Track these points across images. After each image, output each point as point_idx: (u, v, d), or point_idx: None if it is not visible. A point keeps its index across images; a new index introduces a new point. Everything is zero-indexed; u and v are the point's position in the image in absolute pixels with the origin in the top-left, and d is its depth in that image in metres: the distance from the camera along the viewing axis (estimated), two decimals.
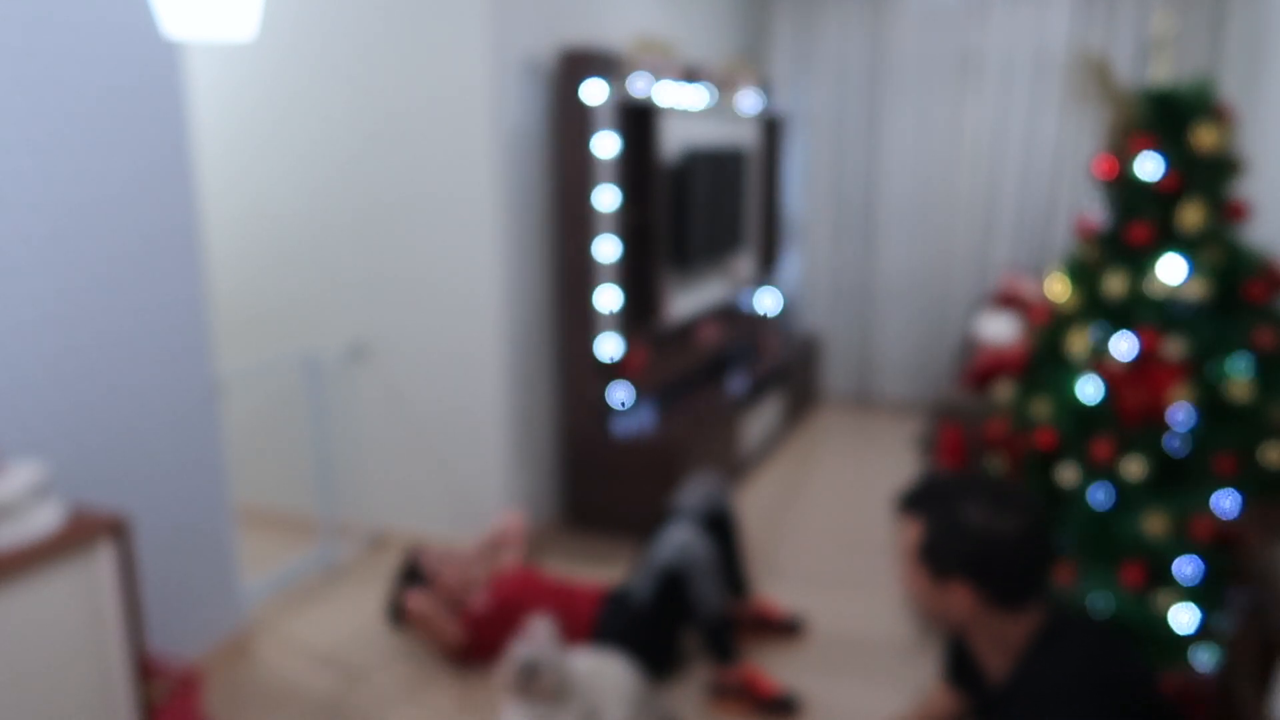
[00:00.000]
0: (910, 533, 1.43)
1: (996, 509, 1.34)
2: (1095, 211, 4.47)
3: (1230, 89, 4.46)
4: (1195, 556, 2.25)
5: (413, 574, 2.92)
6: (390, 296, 3.51)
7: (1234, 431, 2.30)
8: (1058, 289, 2.57)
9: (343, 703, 2.67)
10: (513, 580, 2.89)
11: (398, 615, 2.91)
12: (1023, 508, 1.35)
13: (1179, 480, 2.34)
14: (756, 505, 4.10)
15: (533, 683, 2.23)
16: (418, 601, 2.81)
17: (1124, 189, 2.49)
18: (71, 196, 2.28)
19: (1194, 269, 2.35)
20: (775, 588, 3.32)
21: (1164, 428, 2.34)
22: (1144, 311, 2.40)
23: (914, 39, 5.19)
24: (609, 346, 3.68)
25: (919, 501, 1.43)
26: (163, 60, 2.50)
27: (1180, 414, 2.31)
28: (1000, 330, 4.01)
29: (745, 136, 4.89)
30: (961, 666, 1.60)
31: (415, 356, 3.53)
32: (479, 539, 3.05)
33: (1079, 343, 2.47)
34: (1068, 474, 2.45)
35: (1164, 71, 2.60)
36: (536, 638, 2.29)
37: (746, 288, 5.10)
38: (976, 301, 5.23)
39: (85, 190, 2.31)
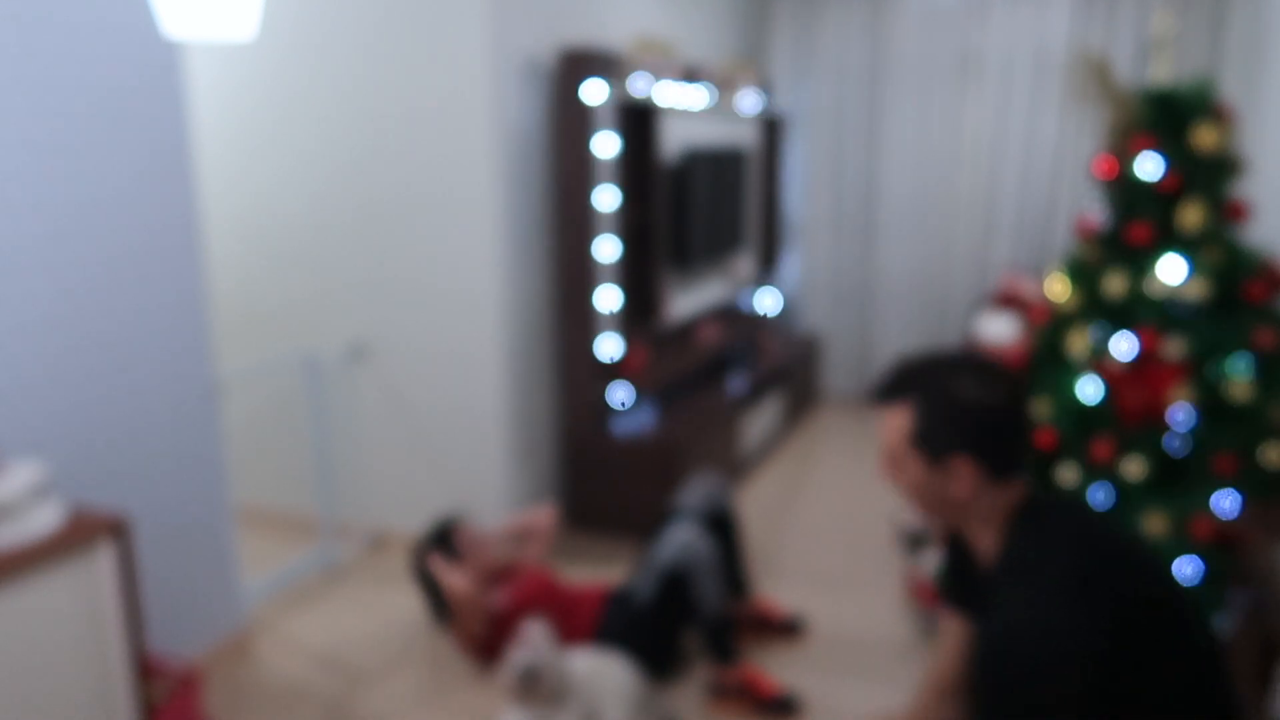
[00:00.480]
0: (897, 421, 1.39)
1: (982, 380, 1.33)
2: (1095, 211, 4.47)
3: (1230, 89, 4.46)
4: (1195, 556, 2.25)
5: (442, 538, 2.84)
6: (390, 296, 3.51)
7: (1234, 431, 2.30)
8: (1058, 289, 2.57)
9: (343, 703, 2.67)
10: (531, 583, 2.84)
11: (422, 576, 2.82)
12: (1004, 376, 1.35)
13: (1179, 480, 2.34)
14: (756, 505, 4.10)
15: (534, 687, 2.24)
16: (456, 577, 2.69)
17: (1124, 189, 2.49)
18: (71, 196, 2.28)
19: (1194, 269, 2.35)
20: (775, 588, 3.32)
21: (1164, 428, 2.34)
22: (1144, 311, 2.40)
23: (914, 39, 5.19)
24: (609, 346, 3.68)
25: (904, 386, 1.38)
26: (163, 60, 2.50)
27: (1180, 414, 2.31)
28: (1000, 330, 4.01)
29: (745, 136, 4.89)
30: (960, 578, 1.58)
31: (415, 356, 3.53)
32: (509, 521, 3.01)
33: (1079, 343, 2.47)
34: (1068, 474, 2.45)
35: (1164, 71, 2.60)
36: (533, 641, 2.29)
37: (746, 288, 5.10)
38: (976, 301, 5.23)
39: (85, 190, 2.32)
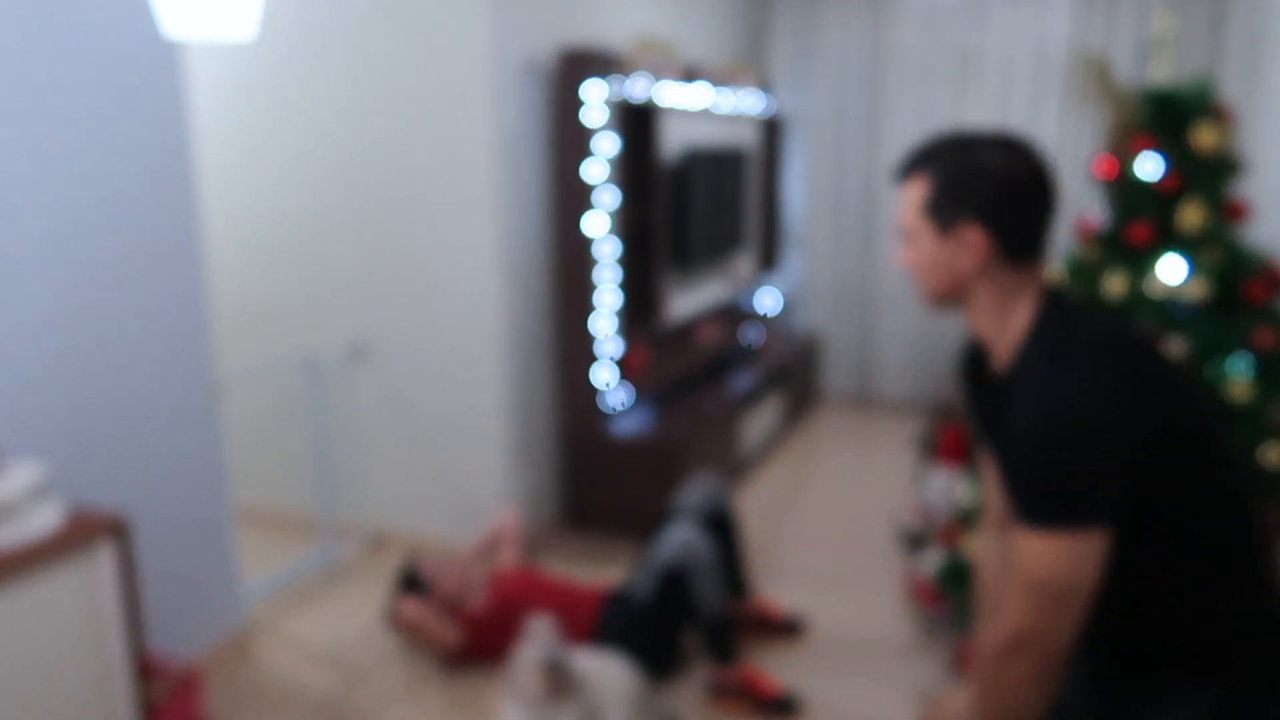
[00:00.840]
0: (913, 194, 1.31)
1: (1006, 153, 1.26)
2: (1095, 211, 4.47)
3: (1230, 89, 4.46)
4: None
5: (411, 582, 2.91)
6: (390, 296, 3.51)
7: (1234, 431, 2.30)
8: None
9: (342, 703, 2.67)
10: (512, 580, 2.89)
11: (394, 623, 2.91)
12: (1033, 153, 1.27)
13: None
14: (756, 505, 4.10)
15: (562, 681, 2.24)
16: (408, 608, 2.80)
17: (1124, 189, 2.49)
18: (72, 197, 2.28)
19: (1194, 269, 2.35)
20: (775, 588, 3.32)
21: None
22: (1144, 311, 2.40)
23: (914, 39, 5.19)
24: (609, 346, 3.68)
25: (925, 158, 1.31)
26: (163, 60, 2.50)
27: None
28: None
29: (745, 136, 4.89)
30: (980, 403, 1.48)
31: (415, 356, 3.53)
32: (475, 540, 3.05)
33: None
34: None
35: (1164, 71, 2.60)
36: (541, 637, 2.29)
37: (746, 288, 5.10)
38: None
39: (85, 190, 2.32)
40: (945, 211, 1.27)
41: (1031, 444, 1.16)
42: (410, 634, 2.82)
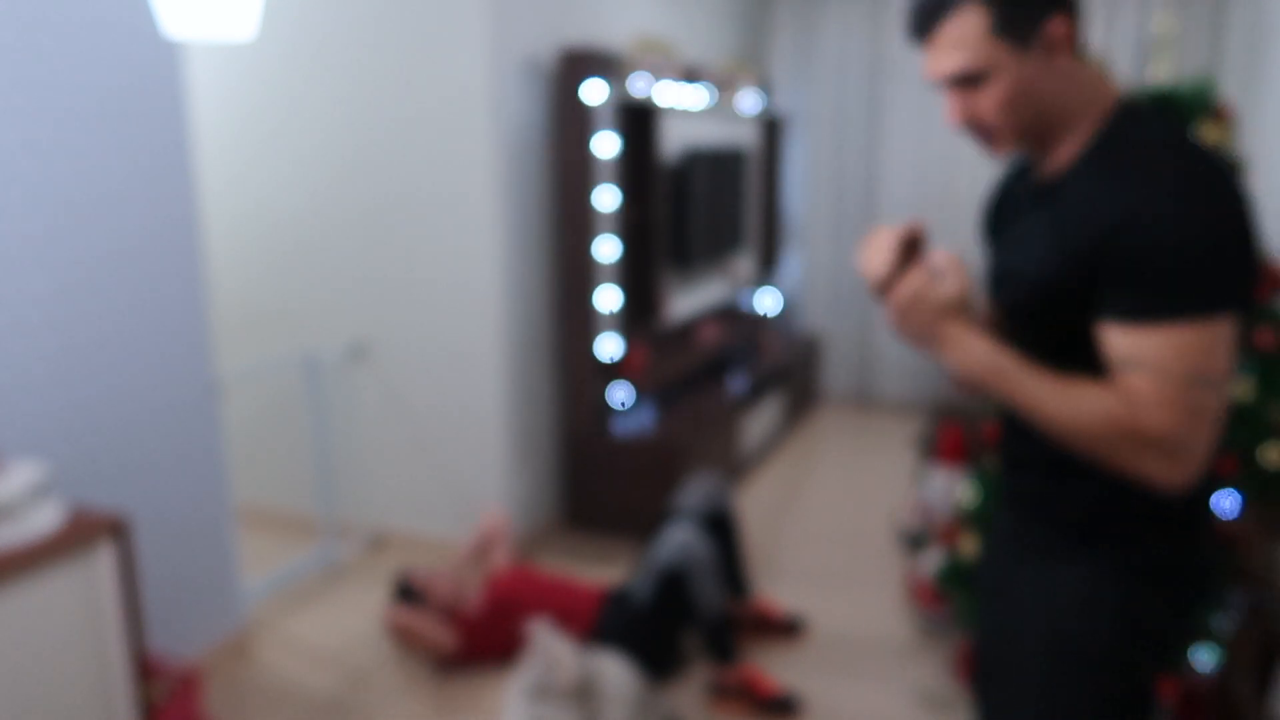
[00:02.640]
0: (970, 24, 1.14)
1: None
2: None
3: (1230, 89, 4.46)
4: None
5: (405, 593, 2.91)
6: (390, 296, 3.51)
7: (1234, 431, 2.30)
8: None
9: (342, 703, 2.67)
10: (506, 580, 2.88)
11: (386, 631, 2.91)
12: None
13: None
14: (756, 505, 4.10)
15: (586, 682, 2.25)
16: (395, 615, 2.79)
17: None
18: (72, 196, 2.28)
19: None
20: (775, 588, 3.32)
21: None
22: None
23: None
24: (609, 346, 3.68)
25: None
26: (163, 60, 2.50)
27: None
28: None
29: (745, 136, 4.89)
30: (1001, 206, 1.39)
31: (415, 356, 3.53)
32: (465, 546, 3.04)
33: None
34: None
35: (1164, 71, 2.60)
36: (551, 644, 2.30)
37: (746, 288, 5.10)
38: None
39: (85, 190, 2.31)
40: (1021, 19, 1.13)
41: (1168, 230, 1.05)
42: (403, 640, 2.82)
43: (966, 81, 1.18)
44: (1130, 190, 1.09)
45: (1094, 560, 1.23)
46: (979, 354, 1.18)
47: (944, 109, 1.20)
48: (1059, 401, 1.12)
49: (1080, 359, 1.19)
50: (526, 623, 2.77)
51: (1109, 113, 1.19)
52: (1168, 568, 1.22)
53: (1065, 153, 1.22)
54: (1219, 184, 1.07)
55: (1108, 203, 1.11)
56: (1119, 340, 1.11)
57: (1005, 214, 1.36)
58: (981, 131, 1.22)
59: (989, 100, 1.18)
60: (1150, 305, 1.08)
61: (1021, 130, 1.20)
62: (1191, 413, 1.07)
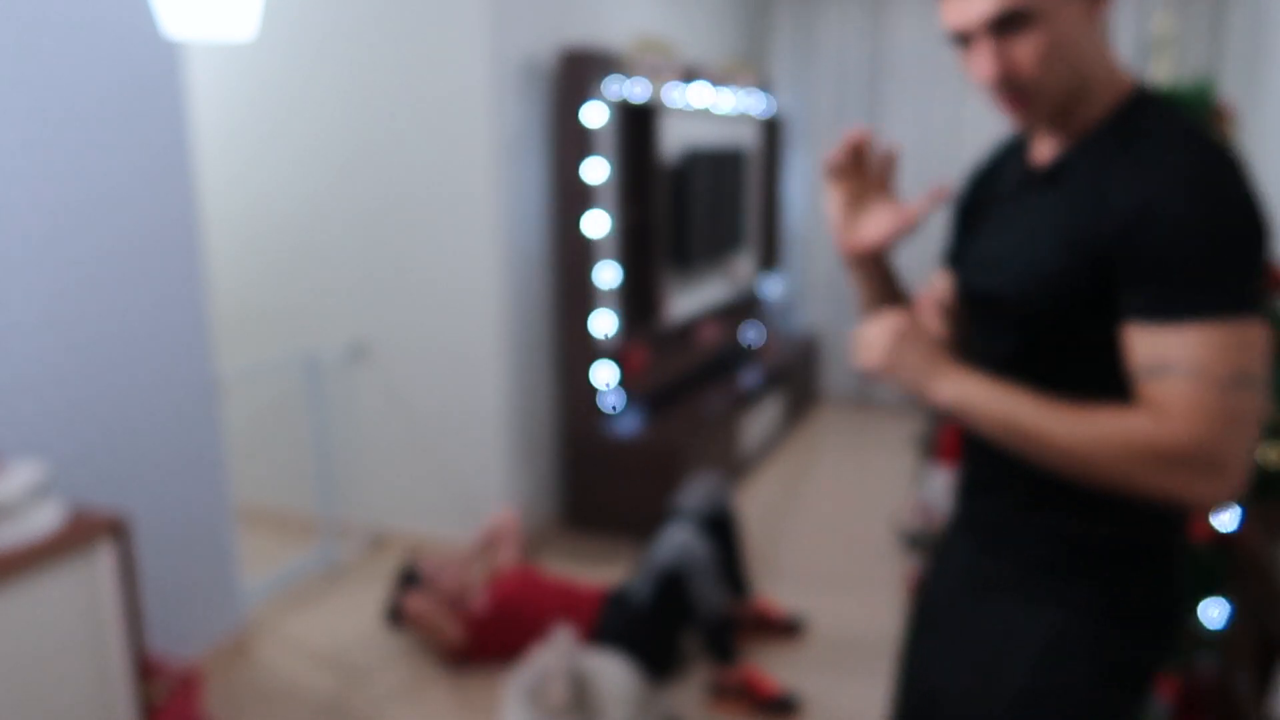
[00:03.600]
0: None
1: None
2: None
3: (1230, 89, 4.46)
4: (1194, 557, 2.25)
5: (410, 578, 2.92)
6: (390, 296, 3.52)
7: None
8: None
9: (342, 703, 2.67)
10: (511, 580, 2.89)
11: (396, 618, 2.91)
12: None
13: None
14: (756, 505, 4.10)
15: (580, 695, 2.26)
16: (416, 602, 2.80)
17: None
18: (72, 196, 2.28)
19: None
20: (775, 588, 3.32)
21: None
22: None
23: (914, 39, 5.19)
24: (609, 346, 3.68)
25: None
26: (163, 60, 2.50)
27: None
28: None
29: (745, 136, 4.89)
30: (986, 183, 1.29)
31: (415, 356, 3.53)
32: (473, 539, 3.05)
33: None
34: None
35: (1164, 71, 2.60)
36: (563, 646, 2.30)
37: (746, 288, 5.10)
38: None
39: (86, 190, 2.32)
40: None
41: (1197, 222, 0.97)
42: (419, 628, 2.82)
43: (1008, 24, 1.04)
44: (1149, 181, 1.00)
45: (1066, 602, 1.13)
46: (974, 387, 1.07)
47: (972, 65, 1.09)
48: (1073, 428, 1.00)
49: (1066, 365, 1.11)
50: (531, 624, 2.77)
51: (1123, 97, 1.09)
52: (1144, 606, 1.13)
53: (1071, 133, 1.12)
54: (1241, 178, 0.99)
55: (1123, 193, 1.01)
56: (1146, 343, 0.99)
57: (986, 194, 1.27)
58: (1015, 90, 1.07)
59: (1030, 48, 1.04)
60: (1182, 301, 0.97)
61: (1057, 92, 1.07)
62: (1232, 419, 0.96)
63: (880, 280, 1.28)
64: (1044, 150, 1.16)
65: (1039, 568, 1.16)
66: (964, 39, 1.10)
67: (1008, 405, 1.04)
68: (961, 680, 1.21)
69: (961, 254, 1.26)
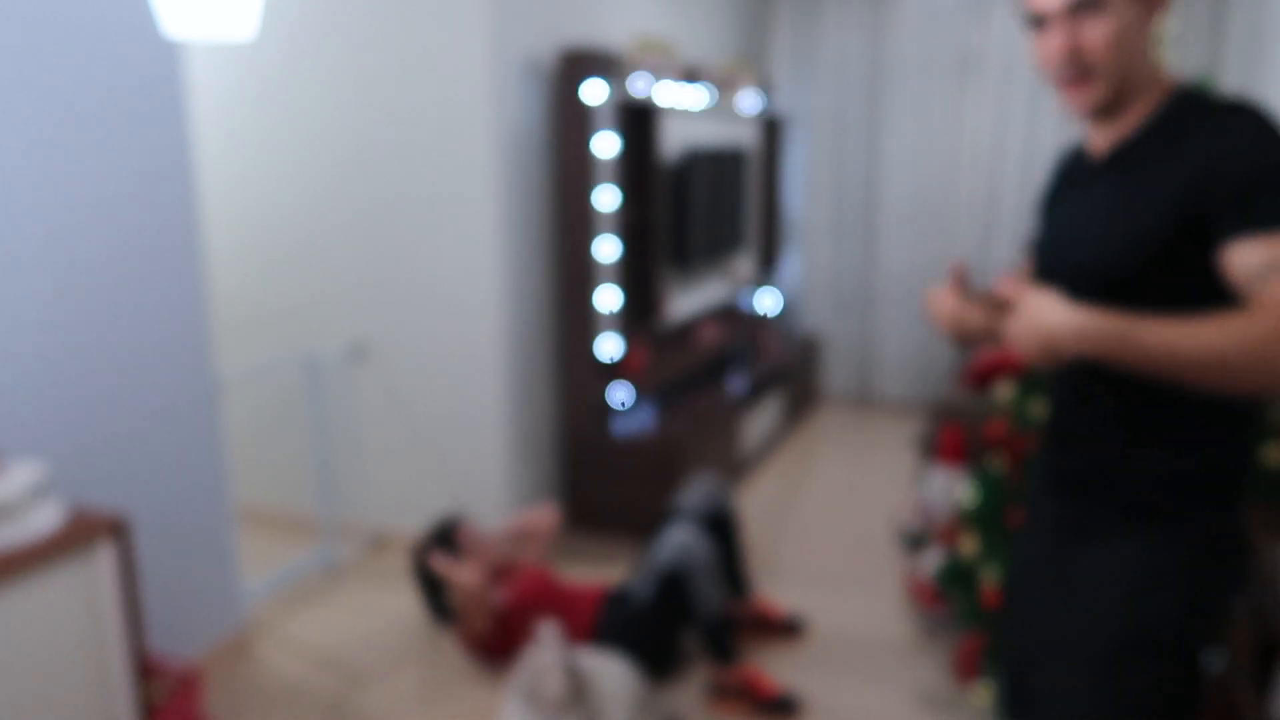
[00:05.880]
0: None
1: None
2: None
3: (1230, 89, 4.46)
4: None
5: (444, 537, 2.87)
6: (390, 296, 3.51)
7: None
8: None
9: (343, 703, 2.67)
10: (531, 582, 2.85)
11: (423, 575, 2.86)
12: None
13: None
14: (756, 505, 4.10)
15: (578, 689, 2.25)
16: (466, 577, 2.70)
17: None
18: (72, 196, 2.28)
19: None
20: (775, 588, 3.32)
21: None
22: None
23: (914, 39, 5.19)
24: (609, 346, 3.68)
25: None
26: (163, 60, 2.50)
27: None
28: None
29: (745, 136, 4.89)
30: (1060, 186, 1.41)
31: (415, 356, 3.53)
32: (509, 524, 3.01)
33: None
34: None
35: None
36: (552, 642, 2.29)
37: (746, 288, 5.10)
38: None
39: (85, 190, 2.31)
40: None
41: (1271, 149, 1.10)
42: (463, 605, 2.72)
43: (1084, 8, 1.18)
44: (1220, 136, 1.13)
45: (1157, 536, 1.24)
46: (1104, 324, 1.09)
47: (1044, 45, 1.19)
48: (1197, 338, 1.04)
49: None
50: (535, 625, 2.76)
51: (1168, 92, 1.23)
52: (1224, 536, 1.23)
53: (1127, 124, 1.25)
54: None
55: (1191, 154, 1.14)
56: (1251, 255, 1.08)
57: (1061, 191, 1.39)
58: (1080, 70, 1.21)
59: (1101, 31, 1.18)
60: (1276, 211, 1.08)
61: (1119, 76, 1.20)
62: None
63: (981, 311, 1.38)
64: (1100, 143, 1.29)
65: (1133, 507, 1.25)
66: (1040, 21, 1.23)
67: (1132, 333, 1.08)
68: (1063, 625, 1.30)
69: (1041, 244, 1.39)
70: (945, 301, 1.35)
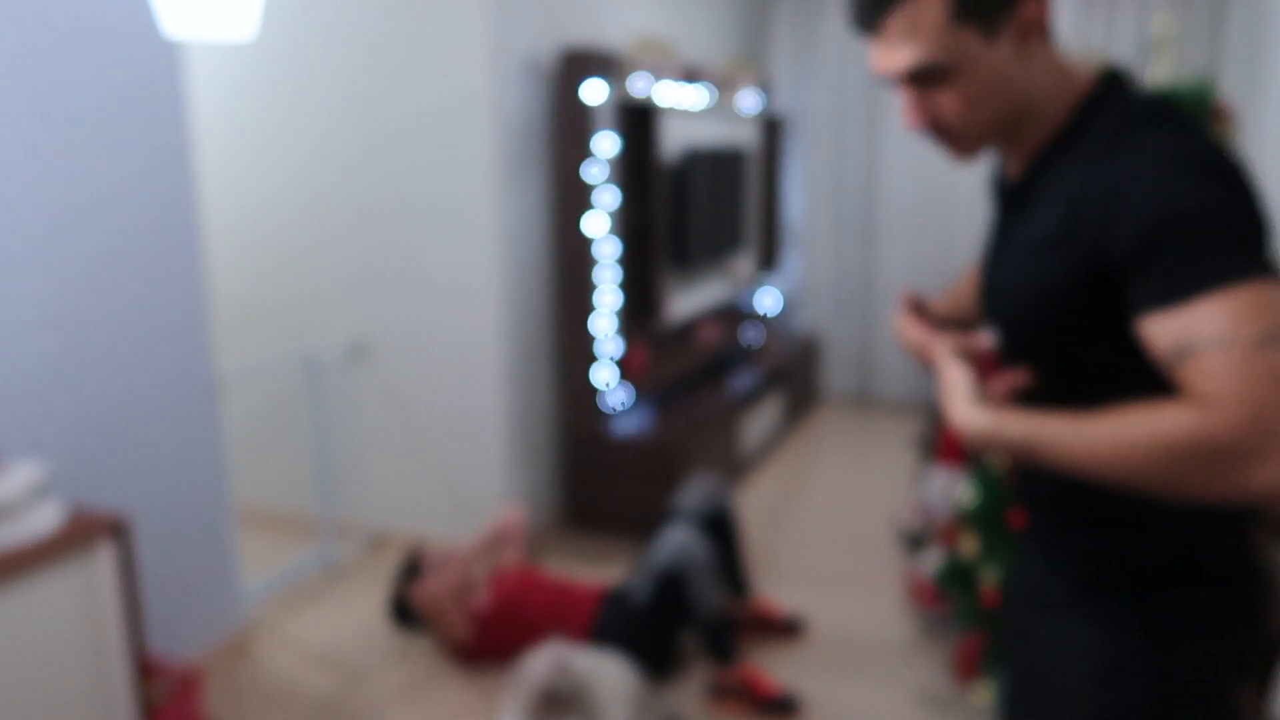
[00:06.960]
0: (930, 12, 0.98)
1: None
2: None
3: (1230, 89, 4.46)
4: None
5: (414, 570, 2.91)
6: (390, 296, 3.51)
7: None
8: None
9: (343, 703, 2.67)
10: (514, 580, 2.88)
11: (402, 612, 2.90)
12: None
13: None
14: (756, 505, 4.10)
15: (558, 705, 2.26)
16: (429, 586, 2.76)
17: None
18: (72, 196, 2.28)
19: None
20: (775, 588, 3.32)
21: None
22: None
23: None
24: (609, 346, 3.68)
25: None
26: (163, 60, 2.50)
27: None
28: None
29: (745, 136, 4.89)
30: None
31: (415, 356, 3.53)
32: (479, 534, 3.04)
33: None
34: None
35: (1164, 71, 2.60)
36: (550, 656, 2.30)
37: (746, 288, 5.10)
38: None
39: (86, 190, 2.32)
40: (988, 1, 0.98)
41: (1178, 193, 0.90)
42: (430, 615, 2.78)
43: (925, 78, 1.02)
44: (1110, 172, 0.95)
45: (1114, 624, 1.08)
46: (1008, 430, 0.97)
47: (900, 110, 1.11)
48: (1112, 438, 0.89)
49: (1084, 388, 1.04)
50: (531, 624, 2.77)
51: (1076, 106, 1.04)
52: (1205, 624, 1.06)
53: (1028, 151, 1.08)
54: (1207, 143, 0.94)
55: (1092, 193, 0.96)
56: (1165, 330, 0.90)
57: (993, 208, 1.21)
58: (945, 135, 1.07)
59: (952, 99, 1.02)
60: (1186, 277, 0.88)
61: (991, 130, 1.05)
62: (1276, 379, 0.83)
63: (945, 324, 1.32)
64: (1013, 166, 1.12)
65: (1088, 588, 1.11)
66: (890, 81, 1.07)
67: (1042, 431, 0.95)
68: (1036, 687, 1.19)
69: (980, 274, 1.25)
70: (905, 330, 1.23)
